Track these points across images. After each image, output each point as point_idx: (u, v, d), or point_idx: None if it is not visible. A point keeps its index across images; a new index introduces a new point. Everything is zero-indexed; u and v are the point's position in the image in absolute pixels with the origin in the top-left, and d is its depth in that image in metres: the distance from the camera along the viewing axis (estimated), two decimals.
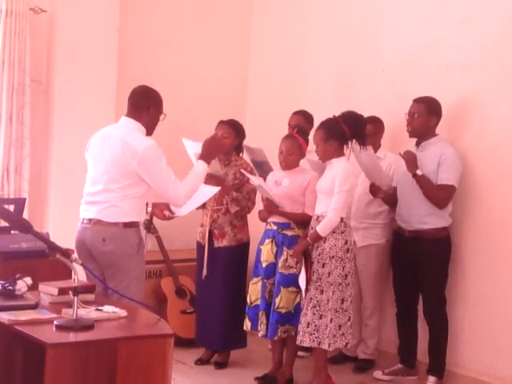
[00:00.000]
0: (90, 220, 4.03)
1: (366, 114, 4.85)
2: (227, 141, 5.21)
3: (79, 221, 4.11)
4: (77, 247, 4.06)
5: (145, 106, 4.11)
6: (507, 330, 4.85)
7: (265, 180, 5.06)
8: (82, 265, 3.11)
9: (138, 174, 3.94)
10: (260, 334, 4.89)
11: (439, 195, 4.87)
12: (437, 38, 5.30)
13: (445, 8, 5.28)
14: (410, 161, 4.85)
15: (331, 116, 4.75)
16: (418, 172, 4.82)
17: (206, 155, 4.18)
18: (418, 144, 5.00)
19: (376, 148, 5.25)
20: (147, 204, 4.24)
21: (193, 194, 4.12)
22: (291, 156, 4.90)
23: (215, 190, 4.60)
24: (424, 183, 4.83)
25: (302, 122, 5.34)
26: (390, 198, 5.11)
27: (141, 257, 4.11)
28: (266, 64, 6.66)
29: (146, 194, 4.05)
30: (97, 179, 4.05)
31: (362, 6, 5.88)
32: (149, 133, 4.14)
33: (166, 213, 4.38)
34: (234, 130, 5.25)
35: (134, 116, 4.10)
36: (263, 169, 5.26)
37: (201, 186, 4.32)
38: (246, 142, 5.36)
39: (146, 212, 4.28)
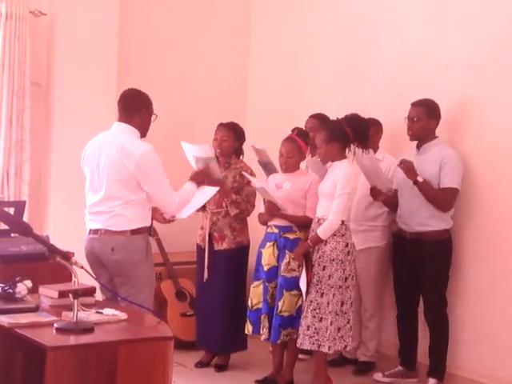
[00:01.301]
0: (97, 230, 4.05)
1: (365, 115, 4.85)
2: (226, 144, 5.21)
3: (86, 231, 4.13)
4: (87, 257, 4.09)
5: (136, 108, 4.10)
6: (507, 331, 4.84)
7: None
8: (82, 267, 3.10)
9: (137, 180, 3.95)
10: (262, 338, 4.87)
11: (443, 199, 4.86)
12: (437, 38, 5.31)
13: (445, 9, 5.29)
14: (409, 169, 4.83)
15: (333, 118, 4.74)
16: (419, 179, 4.81)
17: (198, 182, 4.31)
18: (418, 147, 4.99)
19: (374, 150, 5.22)
20: None
21: (183, 207, 4.17)
22: (291, 159, 4.89)
23: (214, 190, 4.60)
24: (426, 189, 4.82)
25: (317, 125, 5.30)
26: (390, 201, 5.10)
27: (150, 262, 4.13)
28: (266, 65, 6.66)
29: (147, 200, 4.06)
30: (97, 188, 4.06)
31: (362, 7, 5.88)
32: (142, 135, 4.14)
33: (167, 216, 4.38)
34: (233, 132, 5.24)
35: (126, 120, 4.10)
36: (269, 169, 5.24)
37: (200, 188, 4.33)
38: (247, 144, 5.35)
39: None
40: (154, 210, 4.37)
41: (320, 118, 5.41)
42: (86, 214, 4.15)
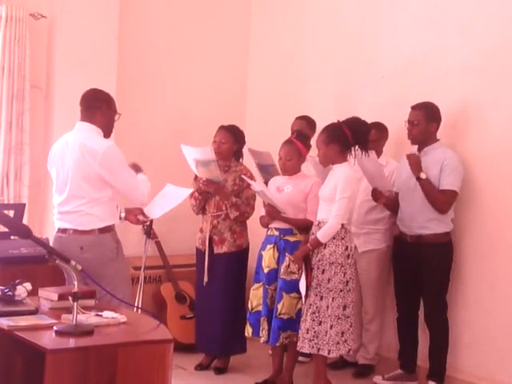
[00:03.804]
0: (65, 230, 4.06)
1: (365, 119, 4.85)
2: (225, 146, 5.21)
3: (55, 230, 4.14)
4: None
5: (96, 106, 4.12)
6: (507, 335, 4.84)
7: (266, 184, 5.06)
8: (82, 270, 3.10)
9: (101, 177, 3.96)
10: (262, 341, 4.86)
11: (441, 200, 4.86)
12: (436, 42, 5.31)
13: (444, 13, 5.29)
14: (415, 164, 4.85)
15: (332, 121, 4.75)
16: (422, 175, 4.82)
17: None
18: (419, 150, 4.98)
19: (378, 154, 5.20)
20: (120, 210, 4.25)
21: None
22: (290, 161, 4.89)
23: (188, 191, 4.59)
24: (427, 187, 4.83)
25: (304, 126, 5.35)
26: (391, 204, 5.10)
27: (121, 260, 4.13)
28: (265, 69, 6.66)
29: (114, 197, 4.07)
30: (62, 188, 4.08)
31: (362, 11, 5.89)
32: (106, 135, 4.15)
33: (140, 217, 4.37)
34: (232, 135, 5.23)
35: (88, 119, 4.12)
36: (269, 172, 5.23)
37: (173, 190, 4.34)
38: (248, 147, 5.35)
39: (120, 218, 4.28)
40: (128, 212, 4.36)
41: (306, 120, 5.46)
42: (54, 214, 4.16)
